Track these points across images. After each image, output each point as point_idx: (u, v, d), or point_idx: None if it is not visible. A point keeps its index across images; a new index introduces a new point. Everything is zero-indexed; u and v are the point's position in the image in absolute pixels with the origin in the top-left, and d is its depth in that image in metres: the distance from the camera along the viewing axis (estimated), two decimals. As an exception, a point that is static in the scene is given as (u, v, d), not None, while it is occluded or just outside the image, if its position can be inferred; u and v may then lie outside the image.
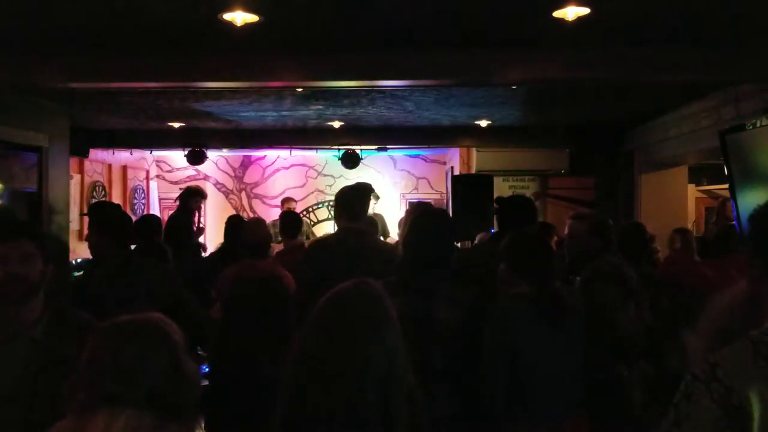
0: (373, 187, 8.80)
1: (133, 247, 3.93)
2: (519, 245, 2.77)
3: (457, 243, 4.94)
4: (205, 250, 7.02)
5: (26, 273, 1.98)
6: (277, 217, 8.40)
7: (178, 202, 6.60)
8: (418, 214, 2.92)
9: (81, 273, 4.25)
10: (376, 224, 5.91)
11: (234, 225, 5.10)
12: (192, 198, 6.51)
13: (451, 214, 6.59)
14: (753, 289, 1.43)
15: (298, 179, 10.32)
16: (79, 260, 6.97)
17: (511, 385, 2.55)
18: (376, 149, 8.70)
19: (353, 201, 3.54)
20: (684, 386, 1.35)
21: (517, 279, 2.70)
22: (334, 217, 3.63)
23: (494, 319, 2.59)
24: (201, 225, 6.75)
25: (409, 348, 2.47)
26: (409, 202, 9.03)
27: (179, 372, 1.55)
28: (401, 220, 5.30)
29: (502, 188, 8.31)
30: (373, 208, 7.58)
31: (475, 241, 5.00)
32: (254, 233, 4.16)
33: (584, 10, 3.48)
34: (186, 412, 1.56)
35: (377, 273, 2.62)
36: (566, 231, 3.60)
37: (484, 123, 7.47)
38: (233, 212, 9.93)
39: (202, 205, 6.84)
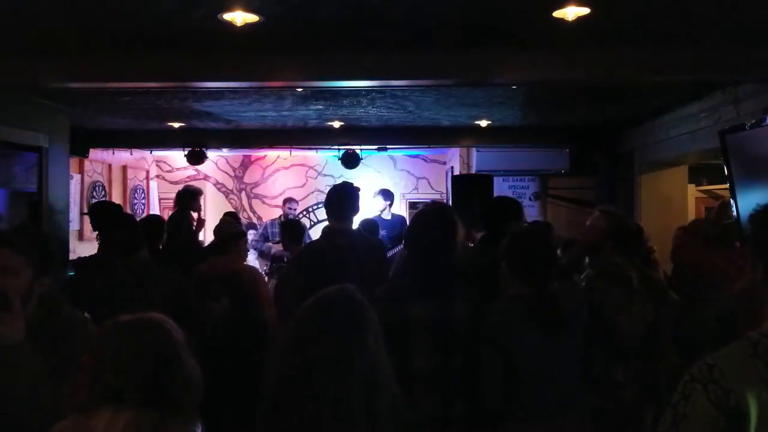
0: (374, 186, 8.81)
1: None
2: (517, 246, 2.77)
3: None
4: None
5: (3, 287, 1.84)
6: (277, 216, 8.43)
7: (175, 205, 6.64)
8: (419, 211, 2.92)
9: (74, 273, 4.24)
10: (376, 228, 5.92)
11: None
12: (189, 198, 6.54)
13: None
14: (754, 289, 1.43)
15: (298, 179, 10.32)
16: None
17: (507, 386, 2.56)
18: (376, 149, 8.70)
19: (338, 201, 3.56)
20: (682, 387, 1.35)
21: (515, 279, 2.70)
22: (327, 218, 3.67)
23: (490, 320, 2.60)
24: (202, 218, 6.79)
25: (429, 350, 2.49)
26: (424, 203, 8.98)
27: (180, 370, 1.56)
28: None
29: (502, 188, 8.30)
30: (389, 208, 7.56)
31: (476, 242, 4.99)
32: (218, 231, 4.36)
33: (584, 10, 3.47)
34: (187, 410, 1.57)
35: (370, 273, 2.62)
36: (588, 222, 3.54)
37: (484, 123, 7.46)
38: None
39: (201, 202, 6.88)
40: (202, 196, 7.06)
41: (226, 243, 4.29)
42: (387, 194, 7.61)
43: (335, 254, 3.34)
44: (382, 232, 6.63)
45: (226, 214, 6.03)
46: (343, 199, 3.58)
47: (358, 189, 3.70)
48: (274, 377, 1.62)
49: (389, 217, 7.51)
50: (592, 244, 3.43)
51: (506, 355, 2.55)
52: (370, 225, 5.74)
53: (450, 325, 2.55)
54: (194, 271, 4.16)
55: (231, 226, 4.49)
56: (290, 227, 5.51)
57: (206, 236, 9.17)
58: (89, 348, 1.57)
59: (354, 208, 3.61)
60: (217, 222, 4.78)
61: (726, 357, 1.34)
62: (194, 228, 6.56)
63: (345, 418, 1.53)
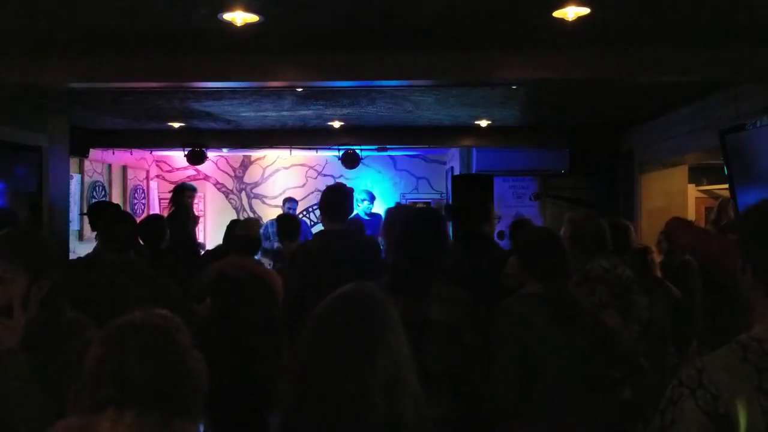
0: (373, 187, 8.84)
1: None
2: (536, 245, 2.74)
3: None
4: (203, 249, 7.04)
5: None
6: (276, 216, 8.43)
7: (171, 204, 6.66)
8: (409, 215, 2.91)
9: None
10: (363, 228, 5.95)
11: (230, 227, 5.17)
12: (183, 194, 6.55)
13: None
14: (745, 292, 1.40)
15: (298, 179, 10.31)
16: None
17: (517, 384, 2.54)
18: (376, 149, 8.69)
19: (332, 202, 3.57)
20: (670, 391, 1.32)
21: (530, 278, 2.67)
22: (321, 219, 3.70)
23: (506, 320, 2.57)
24: (196, 215, 6.81)
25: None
26: (397, 204, 9.00)
27: (185, 371, 1.54)
28: (383, 223, 5.07)
29: (502, 188, 8.31)
30: (369, 209, 7.66)
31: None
32: (246, 229, 4.32)
33: (584, 10, 3.47)
34: (192, 411, 1.55)
35: (365, 274, 2.62)
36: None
37: (484, 123, 7.46)
38: (233, 212, 9.95)
39: (195, 198, 6.91)
40: (199, 194, 7.08)
41: (254, 245, 4.27)
42: (368, 194, 7.94)
43: (330, 255, 3.35)
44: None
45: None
46: (337, 200, 3.60)
47: (351, 190, 3.75)
48: (293, 377, 1.59)
49: (369, 217, 7.67)
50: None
51: (522, 355, 2.52)
52: (356, 223, 5.75)
53: (425, 327, 2.53)
54: (215, 267, 4.10)
55: (258, 228, 4.49)
56: (285, 222, 5.44)
57: (206, 236, 9.19)
58: (93, 349, 1.55)
59: (348, 209, 3.64)
60: (218, 224, 4.77)
61: (715, 361, 1.31)
62: (191, 225, 6.58)
63: (366, 418, 1.50)
